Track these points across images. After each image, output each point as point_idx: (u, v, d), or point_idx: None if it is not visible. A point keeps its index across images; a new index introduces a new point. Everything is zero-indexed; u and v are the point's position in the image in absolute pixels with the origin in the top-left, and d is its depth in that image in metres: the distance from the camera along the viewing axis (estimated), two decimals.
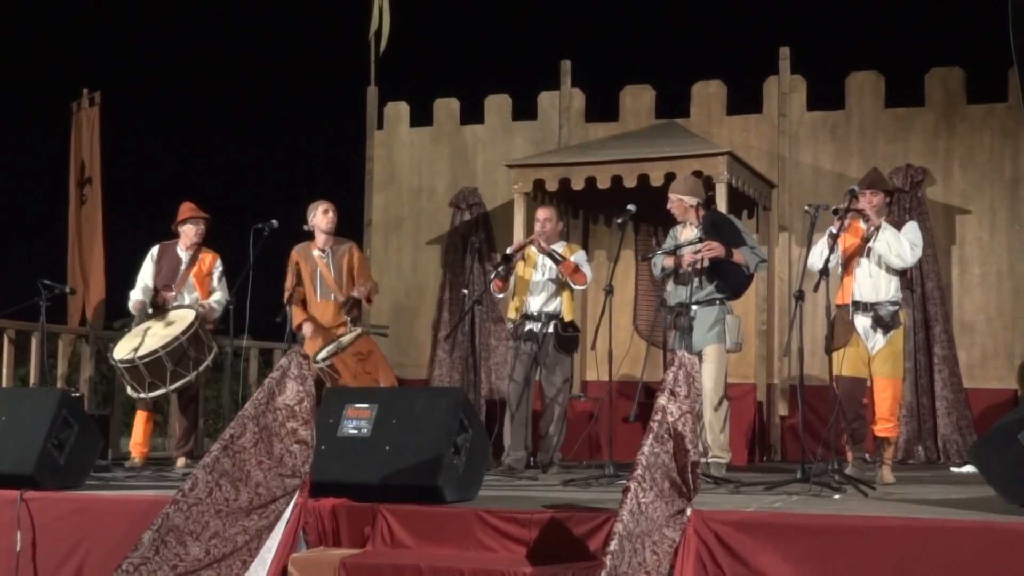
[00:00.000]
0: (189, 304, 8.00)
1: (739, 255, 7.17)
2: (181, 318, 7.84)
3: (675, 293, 7.29)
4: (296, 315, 7.91)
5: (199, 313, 7.86)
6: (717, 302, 7.22)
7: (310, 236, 8.13)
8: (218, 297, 8.14)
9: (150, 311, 8.00)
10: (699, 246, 7.12)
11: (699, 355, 7.12)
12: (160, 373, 7.61)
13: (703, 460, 6.86)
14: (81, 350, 9.55)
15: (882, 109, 9.82)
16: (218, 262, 8.24)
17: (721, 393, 7.22)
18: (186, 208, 8.26)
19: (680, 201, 7.37)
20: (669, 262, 7.28)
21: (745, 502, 5.46)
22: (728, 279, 7.19)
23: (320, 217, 8.06)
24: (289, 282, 8.01)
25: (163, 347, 7.56)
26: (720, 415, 7.20)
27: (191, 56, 22.51)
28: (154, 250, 8.24)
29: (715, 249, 7.07)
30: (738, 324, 7.30)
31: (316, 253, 8.08)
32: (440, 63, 18.38)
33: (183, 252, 8.19)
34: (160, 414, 9.41)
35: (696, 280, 7.16)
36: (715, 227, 7.24)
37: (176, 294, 8.06)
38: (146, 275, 8.15)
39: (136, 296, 8.10)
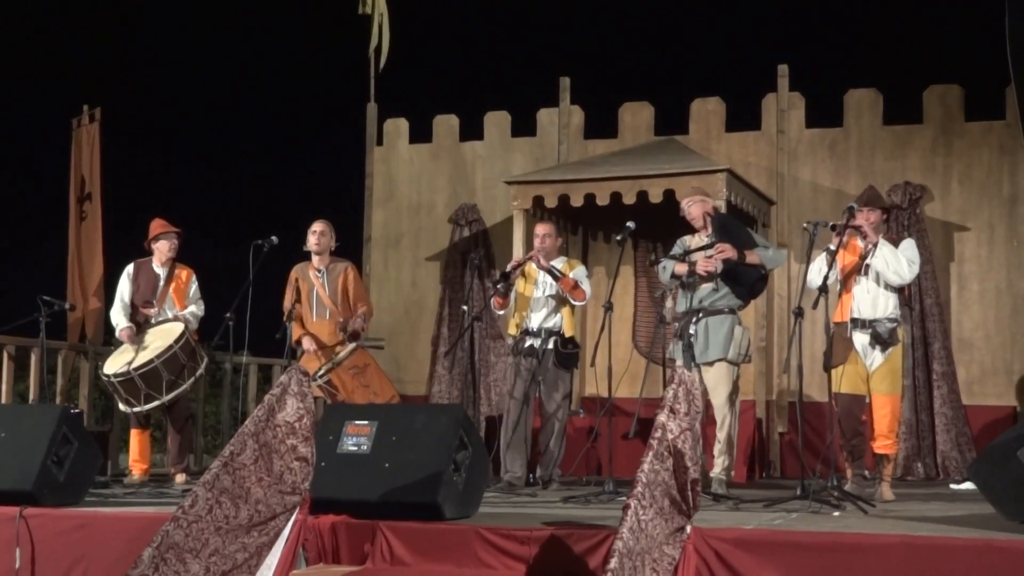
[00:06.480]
0: (173, 317, 8.05)
1: (753, 255, 7.00)
2: (170, 330, 7.91)
3: (682, 300, 7.09)
4: (295, 331, 7.94)
5: (187, 324, 7.91)
6: (727, 311, 7.06)
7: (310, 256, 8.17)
8: (193, 310, 8.20)
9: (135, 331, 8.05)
10: (711, 252, 6.97)
11: (707, 365, 7.01)
12: (156, 383, 7.65)
13: (711, 474, 6.89)
14: (80, 366, 9.55)
15: (880, 126, 9.84)
16: (193, 277, 8.31)
17: (731, 407, 7.08)
18: (157, 224, 8.29)
19: (703, 202, 7.24)
20: (681, 268, 7.05)
21: (744, 519, 5.46)
22: (742, 280, 7.04)
23: (309, 238, 8.13)
24: (288, 300, 8.05)
25: (157, 356, 7.62)
26: (726, 430, 7.07)
27: (191, 73, 22.60)
28: (129, 268, 8.27)
29: (727, 251, 6.93)
30: (746, 336, 7.09)
31: (312, 273, 8.11)
32: (439, 80, 18.45)
33: (160, 268, 8.23)
34: (158, 430, 9.39)
35: (712, 285, 7.03)
36: (724, 228, 7.12)
37: (158, 310, 8.12)
38: (124, 293, 8.18)
39: (121, 324, 8.08)
